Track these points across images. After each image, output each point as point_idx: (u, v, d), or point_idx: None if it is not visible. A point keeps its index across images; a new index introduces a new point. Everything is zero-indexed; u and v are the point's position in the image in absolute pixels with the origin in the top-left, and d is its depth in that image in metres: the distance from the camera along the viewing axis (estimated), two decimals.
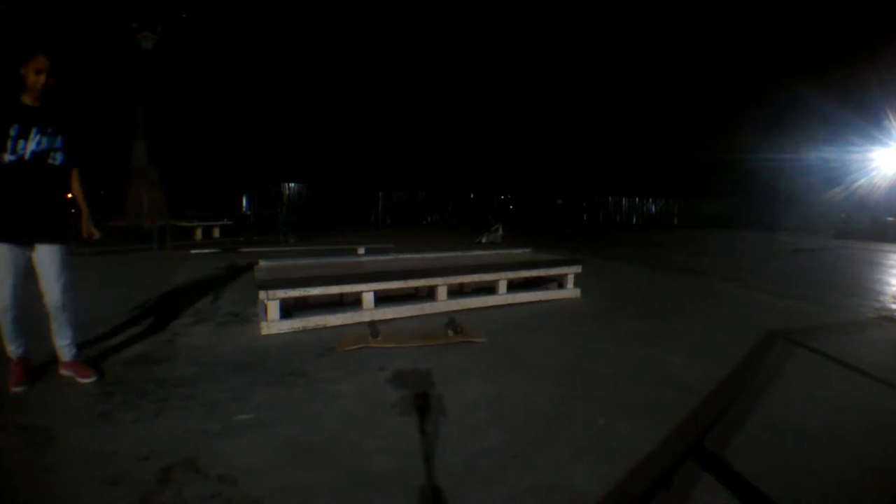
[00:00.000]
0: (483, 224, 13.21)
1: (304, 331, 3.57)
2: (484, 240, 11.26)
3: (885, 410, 2.46)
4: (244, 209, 15.33)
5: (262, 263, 4.39)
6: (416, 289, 4.57)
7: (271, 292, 3.50)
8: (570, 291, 4.97)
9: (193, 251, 6.70)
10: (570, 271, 5.02)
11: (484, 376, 2.76)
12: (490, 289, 4.69)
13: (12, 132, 2.25)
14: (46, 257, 2.40)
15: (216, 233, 11.14)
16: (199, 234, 10.71)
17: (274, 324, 3.52)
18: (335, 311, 3.86)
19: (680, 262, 8.41)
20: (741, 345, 3.43)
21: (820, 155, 20.02)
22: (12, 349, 2.43)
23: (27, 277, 2.40)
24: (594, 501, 1.65)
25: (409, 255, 5.20)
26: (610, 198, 23.50)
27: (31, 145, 2.30)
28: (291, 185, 15.80)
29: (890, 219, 15.44)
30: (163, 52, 13.20)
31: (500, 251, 6.06)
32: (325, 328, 3.65)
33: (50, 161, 2.37)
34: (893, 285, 6.49)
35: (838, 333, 3.90)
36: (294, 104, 23.86)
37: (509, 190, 23.09)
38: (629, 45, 25.22)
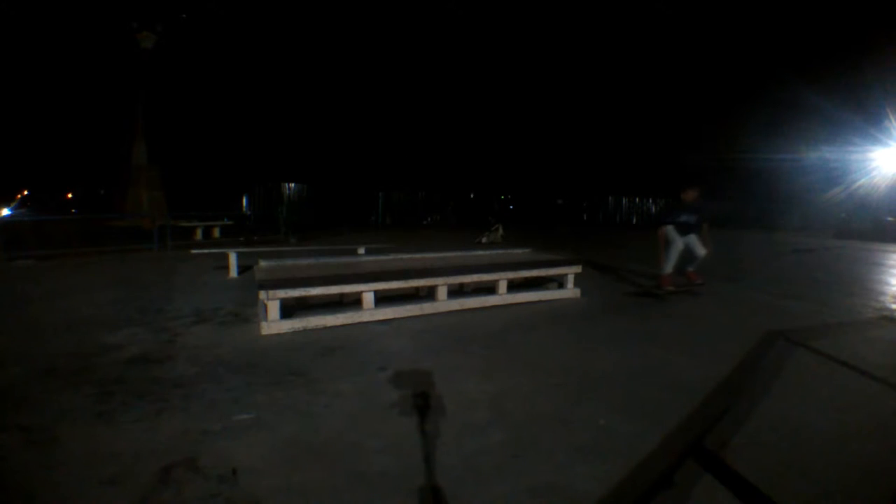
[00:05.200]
0: (483, 224, 13.20)
1: (305, 331, 3.57)
2: (484, 240, 11.26)
3: (885, 410, 2.46)
4: (244, 209, 15.31)
5: (262, 263, 4.39)
6: (417, 289, 4.57)
7: (271, 292, 3.50)
8: (570, 291, 4.97)
9: (193, 251, 6.69)
10: (570, 271, 5.02)
11: (484, 376, 2.76)
12: (490, 289, 4.69)
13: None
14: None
15: (216, 233, 11.14)
16: (199, 234, 10.71)
17: (274, 324, 3.52)
18: (335, 311, 3.86)
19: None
20: (741, 345, 3.43)
21: (820, 155, 20.00)
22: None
23: None
24: (594, 501, 1.65)
25: (409, 255, 5.19)
26: (610, 198, 23.49)
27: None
28: (291, 185, 15.78)
29: (890, 219, 15.42)
30: (163, 52, 13.19)
31: (500, 251, 6.06)
32: (325, 328, 3.65)
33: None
34: (893, 285, 6.49)
35: (838, 333, 3.90)
36: (294, 104, 23.86)
37: (509, 190, 23.12)
38: (629, 45, 25.22)
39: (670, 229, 5.26)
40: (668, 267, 5.17)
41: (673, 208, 5.52)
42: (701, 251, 5.24)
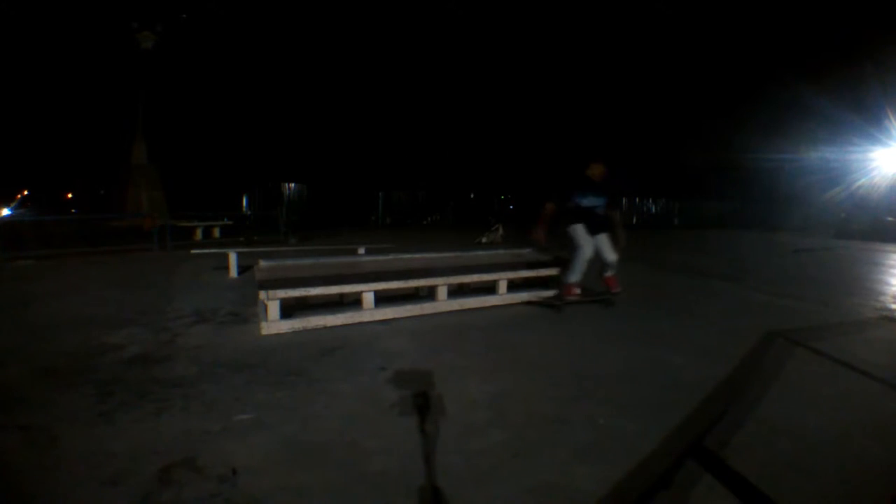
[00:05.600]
0: (483, 224, 13.19)
1: (304, 331, 3.57)
2: (484, 240, 11.26)
3: (885, 410, 2.46)
4: (244, 209, 15.31)
5: (262, 263, 4.39)
6: (417, 289, 4.57)
7: (271, 292, 3.50)
8: None
9: (194, 251, 6.69)
10: None
11: (484, 376, 2.76)
12: (490, 288, 4.69)
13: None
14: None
15: (216, 233, 11.13)
16: (199, 234, 10.71)
17: (274, 324, 3.52)
18: (335, 311, 3.86)
19: (680, 262, 8.41)
20: (741, 345, 3.43)
21: (820, 155, 20.00)
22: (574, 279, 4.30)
23: None
24: (594, 501, 1.65)
25: (409, 255, 5.19)
26: None
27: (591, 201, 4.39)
28: (291, 185, 15.78)
29: (890, 219, 15.42)
30: (163, 52, 13.19)
31: (500, 251, 6.06)
32: (325, 328, 3.65)
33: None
34: (893, 285, 6.49)
35: (838, 333, 3.90)
36: (293, 104, 23.87)
37: (509, 190, 23.08)
38: (629, 45, 25.23)
39: (579, 230, 4.32)
40: (574, 276, 4.31)
41: (575, 186, 4.36)
42: (611, 256, 4.36)
